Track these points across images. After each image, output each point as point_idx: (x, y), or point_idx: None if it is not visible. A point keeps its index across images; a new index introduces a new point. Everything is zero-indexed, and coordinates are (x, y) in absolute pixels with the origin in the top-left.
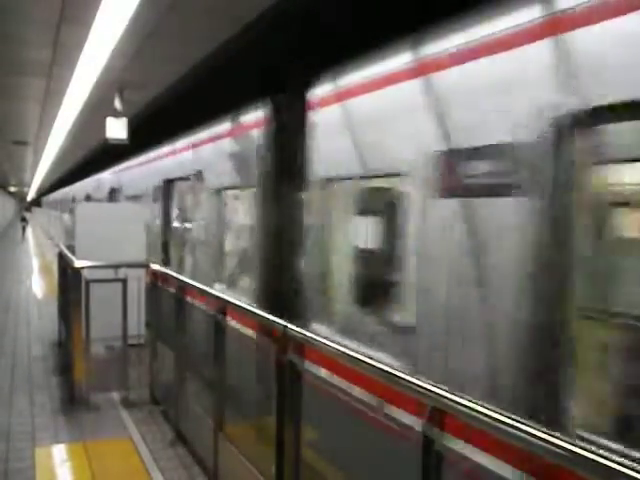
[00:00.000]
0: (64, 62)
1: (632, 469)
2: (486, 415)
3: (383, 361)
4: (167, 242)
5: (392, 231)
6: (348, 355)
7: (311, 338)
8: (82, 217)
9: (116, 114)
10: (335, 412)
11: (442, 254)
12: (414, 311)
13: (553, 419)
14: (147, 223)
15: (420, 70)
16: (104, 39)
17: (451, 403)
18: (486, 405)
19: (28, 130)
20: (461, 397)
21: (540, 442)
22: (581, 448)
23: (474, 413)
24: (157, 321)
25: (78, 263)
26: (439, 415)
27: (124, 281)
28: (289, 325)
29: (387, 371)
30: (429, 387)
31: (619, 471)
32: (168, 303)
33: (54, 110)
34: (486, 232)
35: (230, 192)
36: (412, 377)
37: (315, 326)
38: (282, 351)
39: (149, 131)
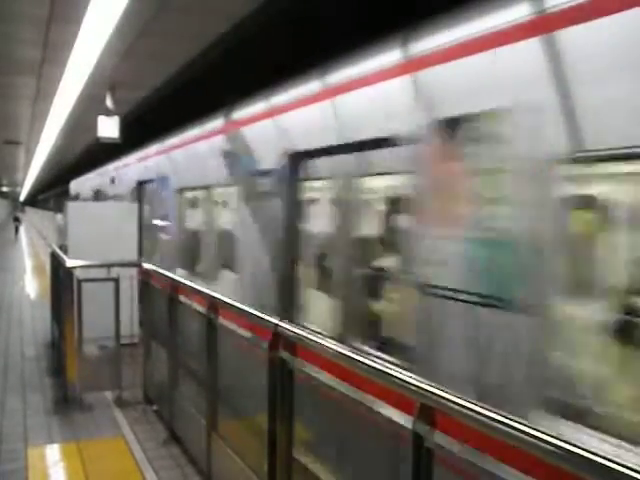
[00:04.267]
0: (55, 60)
1: (630, 468)
2: (477, 412)
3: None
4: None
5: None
6: (339, 352)
7: (302, 336)
8: (74, 216)
9: (108, 112)
10: None
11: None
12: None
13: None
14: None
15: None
16: (94, 37)
17: (441, 400)
18: (477, 402)
19: (20, 129)
20: (451, 394)
21: (532, 439)
22: (573, 445)
23: (464, 410)
24: (150, 320)
25: (70, 262)
26: (429, 412)
27: (116, 280)
28: (280, 323)
29: (377, 368)
30: (419, 384)
31: (614, 469)
32: (161, 302)
33: (46, 109)
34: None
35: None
36: (402, 374)
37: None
38: (273, 349)
39: (142, 129)
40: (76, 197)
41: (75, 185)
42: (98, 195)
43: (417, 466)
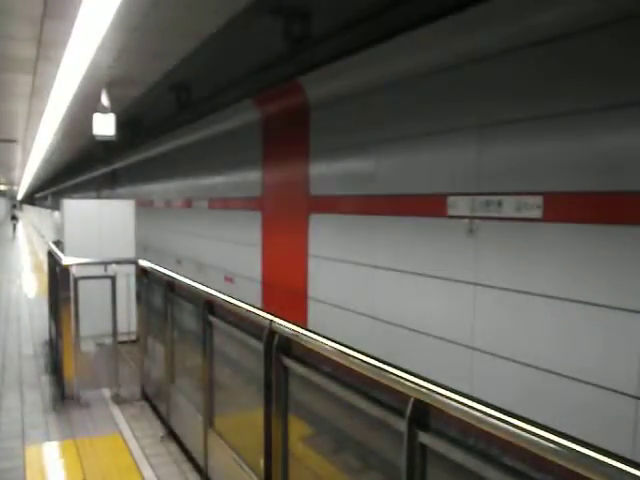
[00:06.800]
0: (49, 58)
1: (631, 465)
2: (473, 408)
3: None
4: None
5: None
6: (334, 348)
7: (297, 332)
8: (70, 214)
9: (103, 110)
10: None
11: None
12: None
13: None
14: None
15: None
16: (89, 34)
17: (436, 395)
18: (473, 397)
19: (16, 128)
20: (447, 389)
21: (531, 436)
22: (574, 442)
23: (460, 406)
24: (147, 317)
25: (66, 260)
26: (423, 408)
27: (113, 278)
28: (275, 319)
29: (372, 364)
30: (413, 379)
31: (612, 465)
32: (158, 298)
33: (41, 107)
34: None
35: None
36: (397, 370)
37: None
38: (268, 345)
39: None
40: None
41: None
42: None
43: (411, 463)
